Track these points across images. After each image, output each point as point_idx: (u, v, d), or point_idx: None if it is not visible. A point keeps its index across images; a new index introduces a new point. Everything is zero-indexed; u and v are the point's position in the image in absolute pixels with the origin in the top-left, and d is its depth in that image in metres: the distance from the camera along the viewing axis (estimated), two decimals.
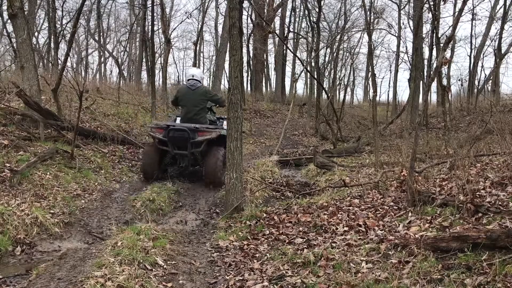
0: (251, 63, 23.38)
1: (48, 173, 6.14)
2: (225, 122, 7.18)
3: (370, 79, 21.17)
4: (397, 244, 3.57)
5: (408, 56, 21.10)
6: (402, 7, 20.42)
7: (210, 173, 6.74)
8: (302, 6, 21.44)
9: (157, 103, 12.96)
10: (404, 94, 56.71)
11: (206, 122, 7.24)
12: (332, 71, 22.45)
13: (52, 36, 16.36)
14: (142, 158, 7.39)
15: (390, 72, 31.62)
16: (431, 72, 13.27)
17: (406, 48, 33.09)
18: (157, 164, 7.06)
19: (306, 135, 15.58)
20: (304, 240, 4.30)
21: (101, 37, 25.80)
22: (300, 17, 24.36)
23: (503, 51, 17.38)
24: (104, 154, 7.88)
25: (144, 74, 21.21)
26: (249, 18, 22.99)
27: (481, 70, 21.37)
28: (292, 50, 22.06)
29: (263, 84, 24.95)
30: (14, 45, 11.34)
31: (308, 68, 17.24)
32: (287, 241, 4.36)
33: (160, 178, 7.05)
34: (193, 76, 7.29)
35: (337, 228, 4.48)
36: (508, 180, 4.46)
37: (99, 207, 5.82)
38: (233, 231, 4.89)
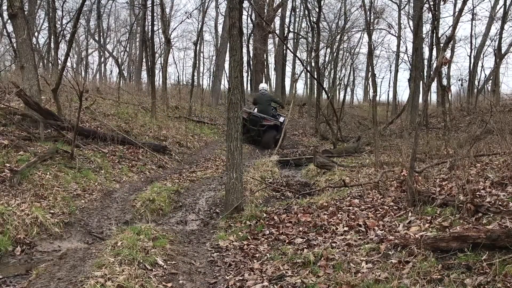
0: (251, 63, 23.37)
1: (48, 173, 6.14)
2: (281, 118, 12.28)
3: (370, 79, 21.17)
4: (397, 244, 3.57)
5: (408, 56, 21.12)
6: (402, 7, 20.46)
7: (266, 142, 11.48)
8: (302, 6, 21.45)
9: (157, 103, 12.96)
10: (404, 94, 56.69)
11: (271, 113, 12.09)
12: (332, 71, 22.47)
13: (52, 36, 16.35)
14: None
15: (390, 72, 31.65)
16: (431, 72, 13.27)
17: (406, 48, 33.19)
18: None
19: (306, 135, 15.58)
20: (304, 240, 4.29)
21: (101, 37, 25.79)
22: (300, 17, 24.35)
23: (503, 51, 17.37)
24: (104, 154, 7.88)
25: (144, 74, 21.22)
26: (249, 18, 23.03)
27: (481, 70, 21.40)
28: (292, 50, 22.06)
29: None
30: (14, 45, 11.33)
31: (308, 68, 17.25)
32: (287, 241, 4.36)
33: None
34: (262, 88, 12.81)
35: (337, 228, 4.48)
36: (508, 180, 4.46)
37: (99, 207, 5.82)
38: (233, 231, 4.89)
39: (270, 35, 23.41)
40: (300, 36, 23.54)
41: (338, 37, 20.72)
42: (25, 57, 7.90)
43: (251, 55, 23.45)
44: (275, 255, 3.96)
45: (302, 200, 5.78)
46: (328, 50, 21.01)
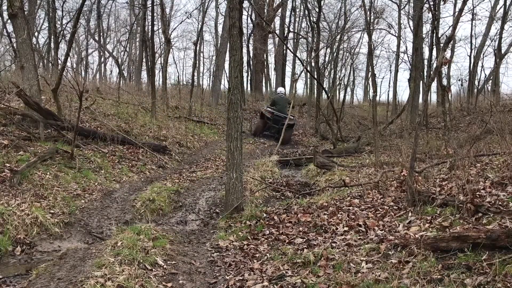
0: (251, 63, 23.36)
1: (48, 173, 6.14)
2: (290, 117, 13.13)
3: (370, 79, 21.18)
4: (397, 244, 3.57)
5: (408, 56, 21.09)
6: (402, 7, 20.42)
7: (285, 139, 12.19)
8: (302, 6, 21.42)
9: (157, 103, 12.96)
10: (404, 94, 56.61)
11: (287, 114, 13.01)
12: (332, 71, 22.46)
13: (52, 36, 16.36)
14: (255, 125, 14.72)
15: (390, 72, 31.63)
16: (431, 72, 13.26)
17: (406, 48, 33.12)
18: (262, 129, 14.23)
19: (306, 135, 15.60)
20: (304, 240, 4.30)
21: (101, 37, 25.77)
22: (300, 17, 24.32)
23: (503, 51, 17.36)
24: (104, 154, 7.88)
25: (144, 74, 21.23)
26: (249, 18, 23.01)
27: (481, 70, 21.38)
28: (292, 50, 22.05)
29: (263, 84, 24.93)
30: (14, 45, 11.34)
31: (308, 68, 17.24)
32: (287, 241, 4.36)
33: (262, 135, 14.11)
34: (281, 91, 14.76)
35: (337, 228, 4.48)
36: (508, 180, 4.46)
37: (99, 207, 5.82)
38: (233, 231, 4.89)
39: (270, 35, 23.41)
40: (300, 36, 23.53)
41: (338, 37, 20.71)
42: (25, 57, 7.90)
43: (251, 55, 23.45)
44: (275, 255, 3.96)
45: (302, 200, 5.78)
46: (328, 50, 21.02)
